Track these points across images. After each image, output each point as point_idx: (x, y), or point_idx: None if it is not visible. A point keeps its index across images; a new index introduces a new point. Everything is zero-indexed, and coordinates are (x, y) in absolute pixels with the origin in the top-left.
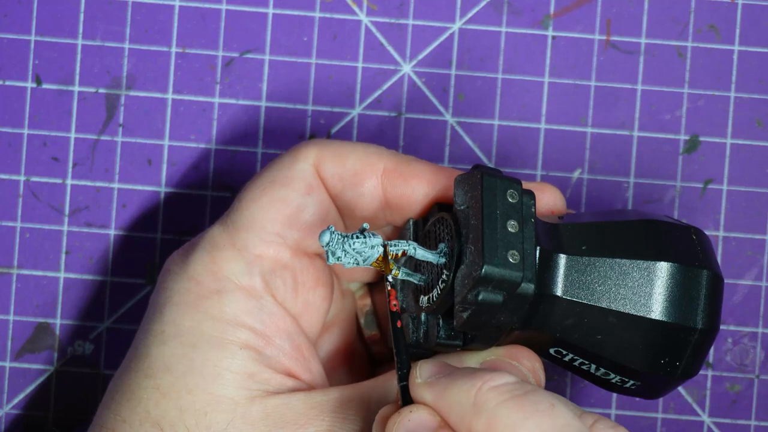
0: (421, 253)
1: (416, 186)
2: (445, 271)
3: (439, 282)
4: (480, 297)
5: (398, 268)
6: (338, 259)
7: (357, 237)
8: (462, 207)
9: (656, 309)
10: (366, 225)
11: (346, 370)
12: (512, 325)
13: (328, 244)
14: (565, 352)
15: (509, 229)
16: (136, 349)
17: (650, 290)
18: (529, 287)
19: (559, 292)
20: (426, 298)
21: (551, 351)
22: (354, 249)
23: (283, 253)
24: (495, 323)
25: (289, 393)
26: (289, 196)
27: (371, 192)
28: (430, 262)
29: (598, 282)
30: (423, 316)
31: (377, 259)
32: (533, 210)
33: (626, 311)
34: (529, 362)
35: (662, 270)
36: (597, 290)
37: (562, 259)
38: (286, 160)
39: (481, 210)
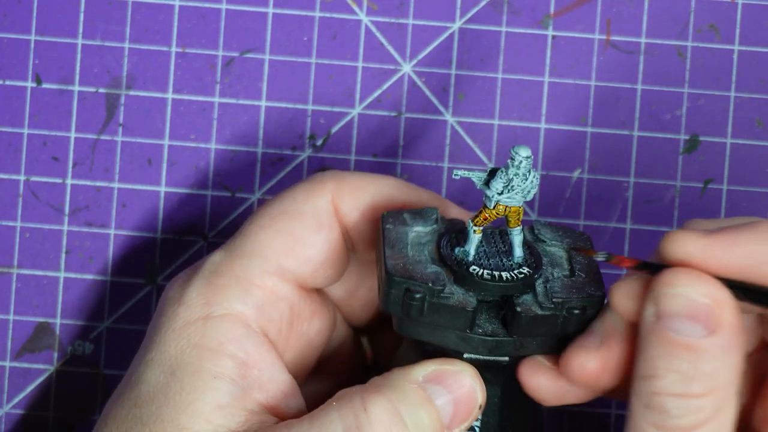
0: (519, 239)
1: None
2: (525, 268)
3: (515, 270)
4: (575, 312)
5: (480, 230)
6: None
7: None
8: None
9: None
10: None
11: None
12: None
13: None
14: None
15: None
16: (129, 375)
17: None
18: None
19: None
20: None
21: None
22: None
23: (281, 286)
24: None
25: None
26: (297, 231)
27: None
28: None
29: None
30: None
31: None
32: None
33: None
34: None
35: None
36: None
37: None
38: (300, 193)
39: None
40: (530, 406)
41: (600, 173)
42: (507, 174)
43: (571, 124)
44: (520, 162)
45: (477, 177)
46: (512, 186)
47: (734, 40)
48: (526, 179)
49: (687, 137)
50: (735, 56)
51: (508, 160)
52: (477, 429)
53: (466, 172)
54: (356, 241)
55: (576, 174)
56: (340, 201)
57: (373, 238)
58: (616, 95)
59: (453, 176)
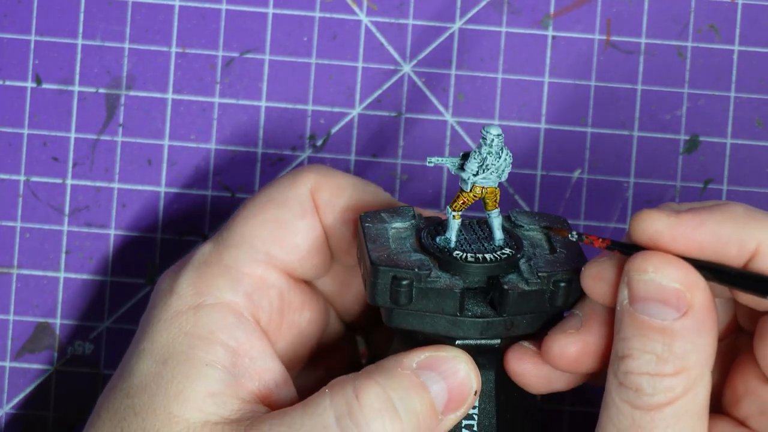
0: (498, 222)
1: None
2: (507, 249)
3: (497, 252)
4: (561, 285)
5: (459, 215)
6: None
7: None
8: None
9: None
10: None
11: None
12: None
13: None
14: None
15: None
16: (122, 367)
17: None
18: None
19: None
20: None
21: None
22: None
23: (270, 274)
24: (536, 309)
25: (236, 422)
26: (284, 218)
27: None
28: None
29: None
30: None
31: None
32: None
33: None
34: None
35: None
36: None
37: None
38: (284, 183)
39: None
40: (525, 390)
41: (600, 173)
42: (480, 153)
43: (571, 124)
44: (492, 140)
45: (451, 162)
46: (486, 165)
47: (734, 40)
48: (500, 157)
49: (687, 137)
50: (735, 56)
51: (480, 140)
52: (475, 416)
53: (439, 159)
54: (327, 234)
55: (576, 174)
56: (319, 194)
57: (346, 238)
58: (616, 95)
59: (427, 163)
